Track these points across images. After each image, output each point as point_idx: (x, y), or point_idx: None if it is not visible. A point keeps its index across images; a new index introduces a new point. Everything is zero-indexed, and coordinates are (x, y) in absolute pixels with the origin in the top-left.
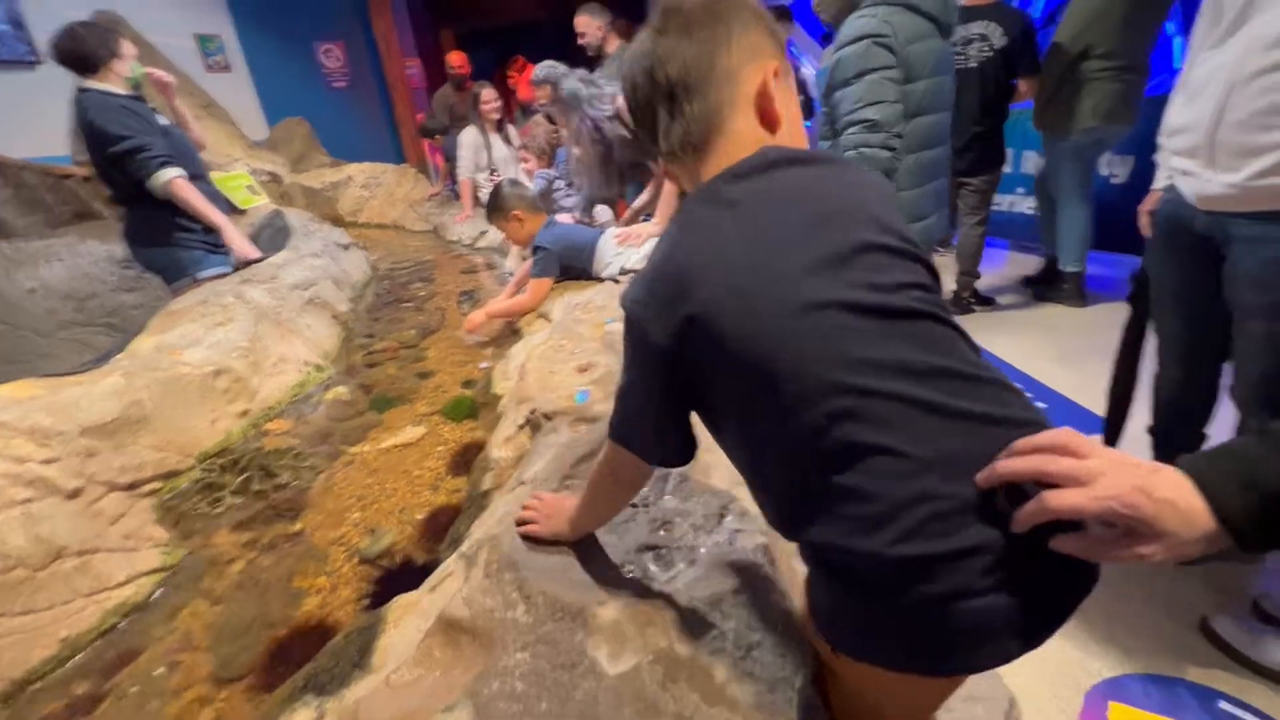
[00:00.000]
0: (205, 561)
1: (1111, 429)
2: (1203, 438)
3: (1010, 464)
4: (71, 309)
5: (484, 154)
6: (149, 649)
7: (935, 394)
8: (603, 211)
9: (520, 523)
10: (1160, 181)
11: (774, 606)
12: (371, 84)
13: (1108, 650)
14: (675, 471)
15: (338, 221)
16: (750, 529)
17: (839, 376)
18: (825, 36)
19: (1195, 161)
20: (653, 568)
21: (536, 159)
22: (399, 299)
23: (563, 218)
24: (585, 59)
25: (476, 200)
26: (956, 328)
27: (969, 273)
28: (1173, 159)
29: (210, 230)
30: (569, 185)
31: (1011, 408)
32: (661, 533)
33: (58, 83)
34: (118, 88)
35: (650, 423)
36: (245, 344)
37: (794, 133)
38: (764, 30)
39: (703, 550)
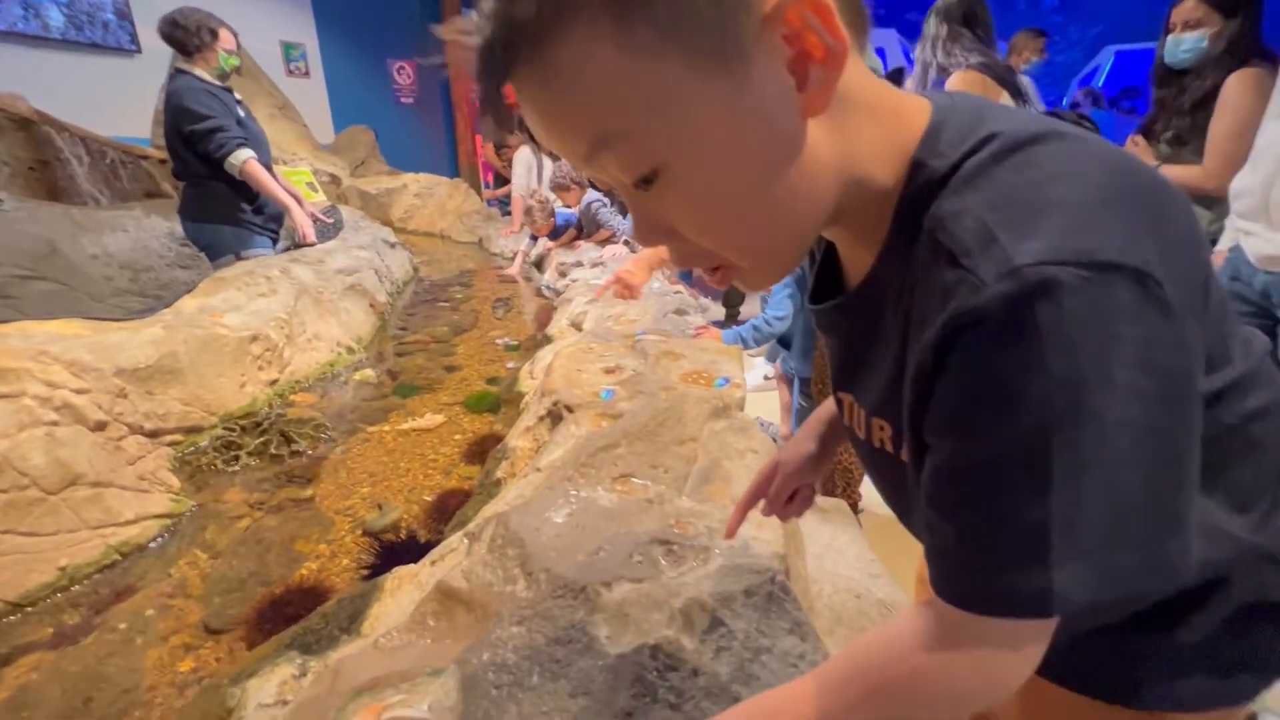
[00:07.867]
0: (211, 515)
1: None
2: None
3: None
4: (127, 279)
5: (535, 173)
6: (144, 589)
7: None
8: None
9: None
10: (1225, 243)
11: (788, 615)
12: (438, 102)
13: None
14: (694, 473)
15: (387, 226)
16: (769, 538)
17: None
18: None
19: (1255, 223)
20: (663, 562)
21: (578, 189)
22: (436, 299)
23: (603, 233)
24: None
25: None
26: None
27: None
28: (1237, 220)
29: (261, 211)
30: (614, 203)
31: None
32: (675, 529)
33: (152, 72)
34: (208, 75)
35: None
36: (283, 315)
37: None
38: None
39: (716, 552)
